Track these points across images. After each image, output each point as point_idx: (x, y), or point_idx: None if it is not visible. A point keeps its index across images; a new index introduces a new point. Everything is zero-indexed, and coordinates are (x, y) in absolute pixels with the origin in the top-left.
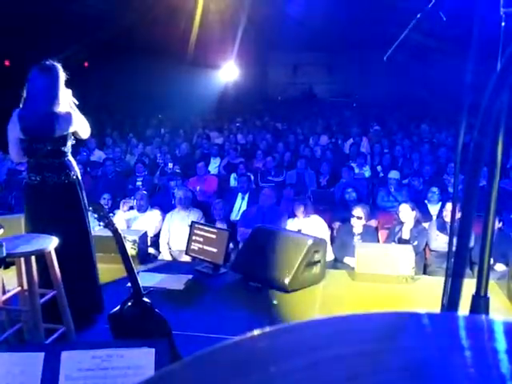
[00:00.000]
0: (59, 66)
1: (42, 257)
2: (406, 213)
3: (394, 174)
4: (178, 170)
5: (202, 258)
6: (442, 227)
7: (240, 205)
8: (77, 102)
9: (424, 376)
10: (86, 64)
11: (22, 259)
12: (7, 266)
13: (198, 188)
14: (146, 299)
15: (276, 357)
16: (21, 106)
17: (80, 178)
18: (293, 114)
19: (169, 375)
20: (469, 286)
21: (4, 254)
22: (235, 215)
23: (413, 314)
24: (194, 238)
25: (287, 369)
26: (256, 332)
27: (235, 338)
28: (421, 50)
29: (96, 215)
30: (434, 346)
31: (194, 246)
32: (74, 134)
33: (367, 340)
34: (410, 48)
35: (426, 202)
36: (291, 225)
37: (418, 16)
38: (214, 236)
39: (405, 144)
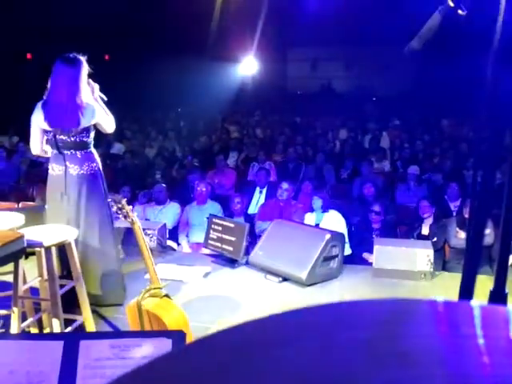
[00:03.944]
0: (83, 59)
1: (62, 247)
2: (426, 208)
3: (413, 169)
4: (196, 163)
5: (220, 250)
6: (461, 224)
7: (258, 199)
8: (105, 98)
9: (423, 363)
10: (106, 57)
11: (43, 250)
12: (27, 256)
13: (216, 181)
14: (164, 291)
15: (270, 343)
16: (44, 97)
17: (101, 169)
18: (312, 108)
19: (170, 359)
20: (488, 283)
21: (25, 245)
22: (253, 209)
23: (417, 301)
24: (212, 230)
25: (285, 355)
26: (257, 317)
27: (241, 323)
28: (440, 43)
29: (115, 207)
30: (439, 334)
31: (213, 239)
32: (98, 127)
33: (365, 326)
34: (429, 41)
35: (445, 197)
36: (309, 219)
37: (439, 9)
38: (232, 229)
39: (425, 139)
